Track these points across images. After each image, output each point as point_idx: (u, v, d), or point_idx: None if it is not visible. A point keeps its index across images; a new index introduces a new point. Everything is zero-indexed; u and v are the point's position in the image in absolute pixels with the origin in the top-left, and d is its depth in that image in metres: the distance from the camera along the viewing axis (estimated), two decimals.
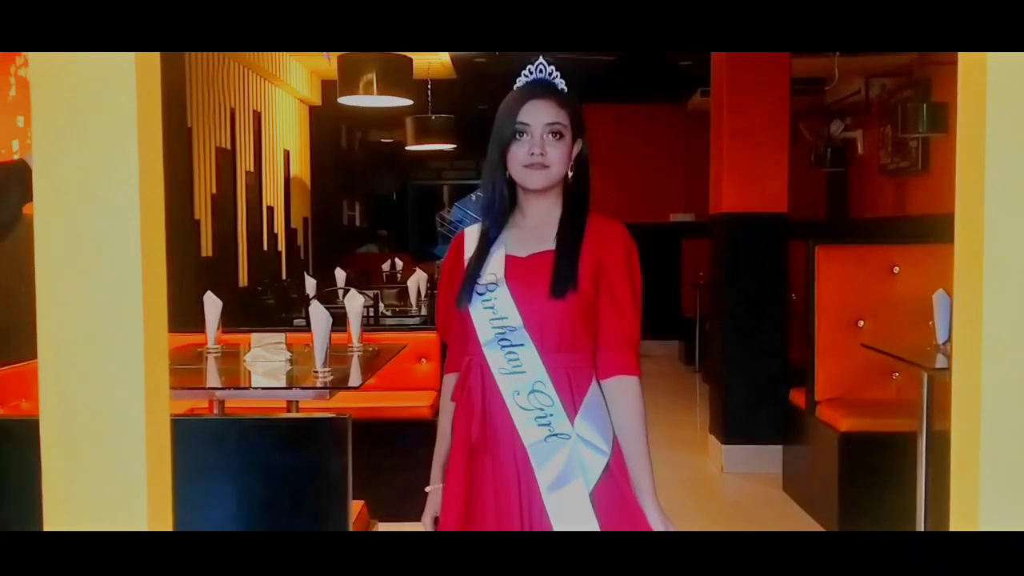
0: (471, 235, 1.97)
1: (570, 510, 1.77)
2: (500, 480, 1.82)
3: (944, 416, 3.15)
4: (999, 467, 1.06)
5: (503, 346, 1.82)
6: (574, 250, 1.85)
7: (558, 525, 1.77)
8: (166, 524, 0.99)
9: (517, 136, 1.86)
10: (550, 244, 1.87)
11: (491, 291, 1.85)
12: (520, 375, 1.81)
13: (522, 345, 1.82)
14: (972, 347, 1.08)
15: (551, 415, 1.80)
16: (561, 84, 1.91)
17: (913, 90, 6.23)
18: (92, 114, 0.95)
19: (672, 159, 9.49)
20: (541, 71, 1.92)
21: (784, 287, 5.10)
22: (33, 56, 0.97)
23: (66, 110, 0.96)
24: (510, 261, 1.87)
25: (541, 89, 1.89)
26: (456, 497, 1.86)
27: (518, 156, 1.86)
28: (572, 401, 1.82)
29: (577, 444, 1.80)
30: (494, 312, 1.84)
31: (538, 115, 1.86)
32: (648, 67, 7.82)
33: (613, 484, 1.80)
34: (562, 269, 1.84)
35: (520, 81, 1.93)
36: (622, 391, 1.83)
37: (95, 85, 0.95)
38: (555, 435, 1.80)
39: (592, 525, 1.77)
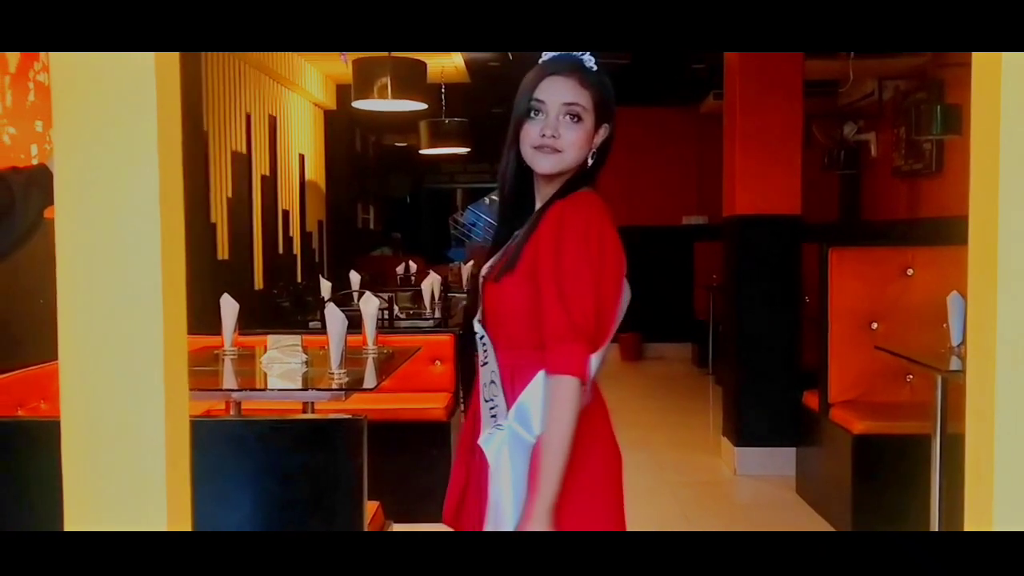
0: None
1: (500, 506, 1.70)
2: (480, 478, 1.80)
3: (958, 418, 3.14)
4: (1014, 470, 1.06)
5: (478, 337, 1.80)
6: (527, 232, 1.73)
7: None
8: (185, 524, 1.00)
9: (532, 114, 1.72)
10: None
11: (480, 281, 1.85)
12: (485, 367, 1.78)
13: (483, 336, 1.77)
14: (986, 349, 1.08)
15: (497, 406, 1.74)
16: (590, 62, 1.74)
17: (927, 92, 6.21)
18: (112, 114, 0.96)
19: (685, 162, 9.48)
20: None
21: (797, 289, 5.09)
22: (54, 56, 0.98)
23: (87, 110, 0.97)
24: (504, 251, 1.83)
25: (564, 65, 1.73)
26: (453, 490, 1.87)
27: (529, 135, 1.72)
28: (513, 397, 1.73)
29: (510, 429, 1.70)
30: (480, 304, 1.83)
31: (555, 93, 1.71)
32: (661, 70, 7.82)
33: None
34: (508, 255, 1.74)
35: (546, 55, 1.77)
36: (548, 390, 1.64)
37: (115, 85, 0.96)
38: (497, 426, 1.73)
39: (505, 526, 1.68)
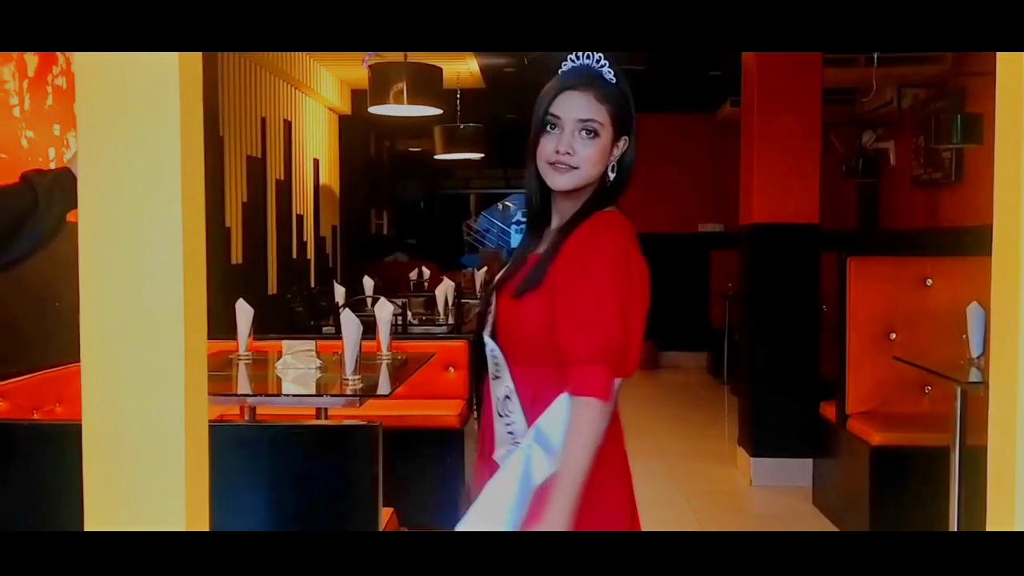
0: None
1: (490, 502, 1.63)
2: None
3: (978, 431, 3.11)
4: None
5: (488, 350, 1.75)
6: (552, 251, 1.68)
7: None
8: (203, 525, 1.00)
9: (548, 128, 1.69)
10: None
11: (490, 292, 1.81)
12: (498, 381, 1.73)
13: (496, 349, 1.73)
14: (1009, 360, 1.07)
15: (514, 422, 1.70)
16: (609, 74, 1.71)
17: (946, 101, 6.17)
18: (136, 114, 0.96)
19: (701, 169, 9.46)
20: (588, 57, 1.70)
21: (815, 298, 5.06)
22: (78, 56, 0.98)
23: (111, 110, 0.96)
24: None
25: (580, 79, 1.69)
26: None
27: (545, 151, 1.69)
28: (533, 413, 1.67)
29: (530, 450, 1.63)
30: (491, 316, 1.79)
31: (571, 109, 1.68)
32: (677, 77, 7.80)
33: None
34: (530, 271, 1.69)
35: (564, 66, 1.73)
36: (572, 411, 1.59)
37: (139, 85, 0.95)
38: (516, 444, 1.68)
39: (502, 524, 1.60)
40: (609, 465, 1.71)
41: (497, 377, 1.74)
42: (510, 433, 1.71)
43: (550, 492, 1.58)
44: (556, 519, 1.56)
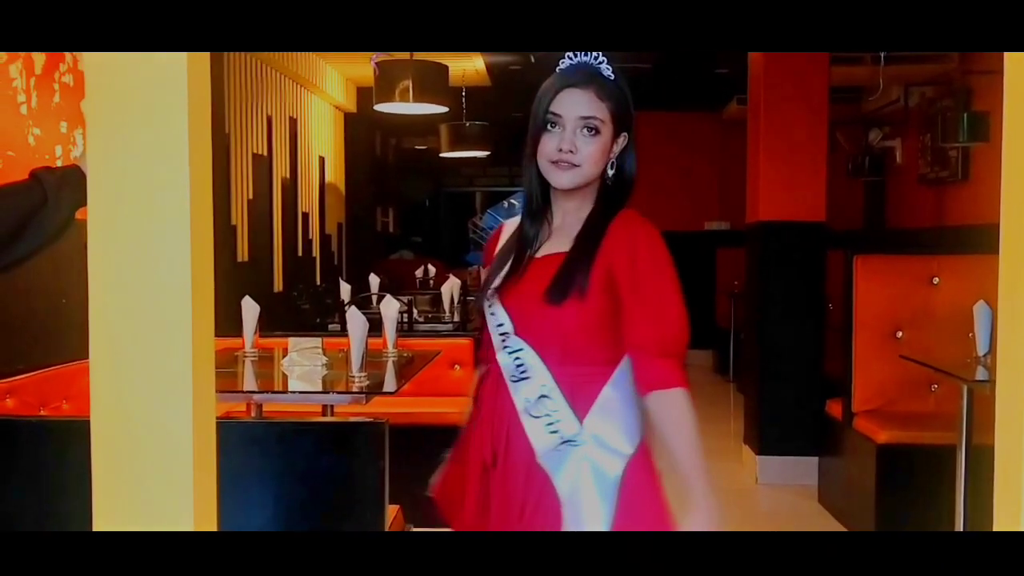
0: (508, 229, 1.87)
1: (582, 527, 1.66)
2: (507, 494, 1.75)
3: (984, 429, 3.11)
4: None
5: (508, 351, 1.73)
6: (586, 254, 1.68)
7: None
8: (211, 524, 1.00)
9: (548, 127, 1.69)
10: (567, 246, 1.72)
11: (494, 294, 1.78)
12: (526, 381, 1.71)
13: (521, 349, 1.72)
14: (1015, 358, 1.06)
15: (559, 420, 1.69)
16: (608, 71, 1.71)
17: (953, 99, 6.15)
18: (145, 114, 0.96)
19: (707, 167, 9.46)
20: (586, 54, 1.71)
21: (821, 297, 5.05)
22: (87, 56, 0.98)
23: (120, 110, 0.97)
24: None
25: (580, 76, 1.69)
26: (470, 512, 1.83)
27: (546, 149, 1.69)
28: (579, 410, 1.70)
29: (588, 447, 1.68)
30: (495, 317, 1.76)
31: (571, 107, 1.68)
32: (684, 75, 7.79)
33: (636, 476, 1.70)
34: (565, 273, 1.68)
35: (562, 64, 1.73)
36: (661, 406, 1.66)
37: (148, 85, 0.96)
38: (565, 441, 1.69)
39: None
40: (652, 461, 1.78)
41: (525, 378, 1.72)
42: (554, 432, 1.70)
43: (689, 486, 1.68)
44: (706, 505, 1.69)
